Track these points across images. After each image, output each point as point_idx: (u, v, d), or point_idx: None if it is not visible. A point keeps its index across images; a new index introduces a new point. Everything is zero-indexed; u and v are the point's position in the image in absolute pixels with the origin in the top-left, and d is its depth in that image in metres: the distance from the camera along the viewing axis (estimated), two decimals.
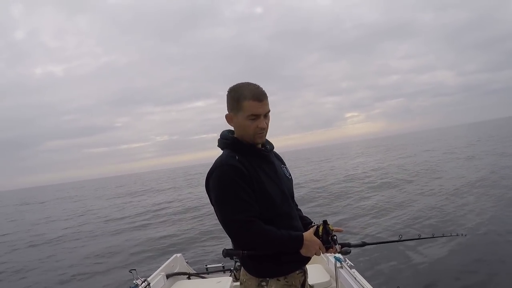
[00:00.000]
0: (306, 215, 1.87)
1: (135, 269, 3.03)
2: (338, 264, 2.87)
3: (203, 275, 3.64)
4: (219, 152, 1.68)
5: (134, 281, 2.94)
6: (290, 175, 1.83)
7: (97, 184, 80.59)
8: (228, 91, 1.62)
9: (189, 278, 3.60)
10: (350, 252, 1.73)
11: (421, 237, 1.87)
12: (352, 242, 1.72)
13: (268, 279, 1.58)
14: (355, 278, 2.66)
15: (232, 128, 1.71)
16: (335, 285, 2.91)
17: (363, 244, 1.74)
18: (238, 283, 2.83)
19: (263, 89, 1.60)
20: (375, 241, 1.85)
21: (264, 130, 1.61)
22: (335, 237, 1.60)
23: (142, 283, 2.94)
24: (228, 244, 1.66)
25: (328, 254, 3.04)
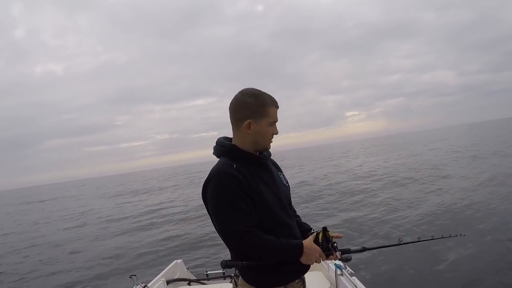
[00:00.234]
0: (305, 222, 1.85)
1: (135, 275, 3.03)
2: (339, 272, 2.86)
3: (203, 281, 3.63)
4: None
5: (134, 287, 2.95)
6: (287, 182, 1.81)
7: (98, 183, 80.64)
8: (246, 96, 1.57)
9: (189, 284, 3.59)
10: (350, 259, 1.71)
11: (420, 239, 1.84)
12: (352, 248, 1.70)
13: None
14: (355, 286, 2.65)
15: (229, 135, 1.68)
16: None
17: (363, 249, 1.72)
18: None
19: None
20: (374, 245, 1.79)
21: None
22: (335, 244, 1.59)
23: None
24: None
25: (328, 261, 3.03)
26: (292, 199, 1.80)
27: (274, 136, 1.64)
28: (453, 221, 7.53)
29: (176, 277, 3.59)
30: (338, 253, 1.60)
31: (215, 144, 1.68)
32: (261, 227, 1.51)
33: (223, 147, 1.62)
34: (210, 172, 1.57)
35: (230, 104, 1.62)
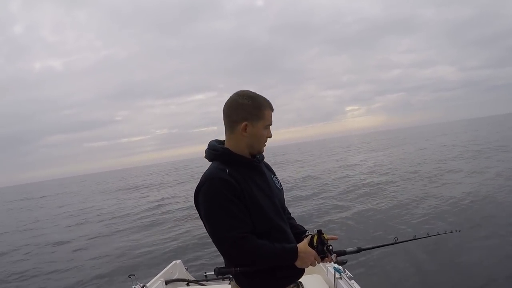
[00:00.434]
0: (300, 224, 1.83)
1: (134, 274, 3.04)
2: (338, 275, 2.86)
3: (202, 283, 3.63)
4: None
5: (132, 286, 2.97)
6: (280, 185, 1.79)
7: (98, 179, 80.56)
8: (243, 98, 1.54)
9: (188, 285, 3.59)
10: (346, 262, 1.70)
11: (416, 237, 1.83)
12: (348, 249, 1.68)
13: None
14: None
15: (221, 138, 1.65)
16: None
17: (359, 250, 1.70)
18: None
19: None
20: (370, 245, 1.76)
21: None
22: (330, 246, 1.57)
23: None
24: None
25: (327, 265, 3.07)
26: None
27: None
28: (459, 217, 7.52)
29: (175, 277, 3.59)
30: (333, 256, 1.58)
31: (207, 148, 1.64)
32: (255, 232, 1.49)
33: (215, 151, 1.59)
34: (202, 177, 1.54)
35: (225, 105, 1.58)
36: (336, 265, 2.90)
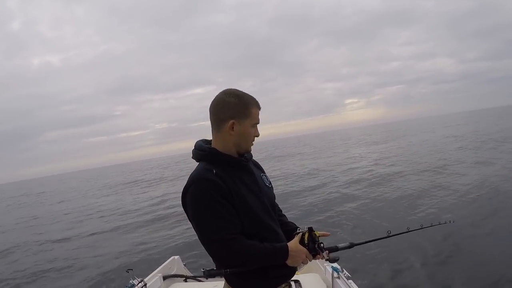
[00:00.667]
0: (291, 221, 1.81)
1: (132, 269, 3.05)
2: (335, 274, 2.85)
3: (199, 279, 3.63)
4: None
5: (130, 281, 2.98)
6: (270, 183, 1.75)
7: (98, 174, 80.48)
8: (230, 96, 1.51)
9: (185, 280, 3.60)
10: (338, 259, 1.65)
11: (409, 230, 1.79)
12: (340, 245, 1.64)
13: None
14: None
15: (208, 138, 1.63)
16: None
17: (351, 246, 1.67)
18: None
19: None
20: (363, 240, 1.73)
21: None
22: (321, 244, 1.55)
23: (138, 283, 2.99)
24: None
25: (325, 264, 3.06)
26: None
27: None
28: (465, 209, 7.55)
29: (173, 273, 3.59)
30: (325, 253, 1.57)
31: (193, 148, 1.62)
32: (244, 232, 1.47)
33: (202, 151, 1.56)
34: (189, 178, 1.51)
35: (211, 104, 1.55)
36: (334, 265, 2.89)
